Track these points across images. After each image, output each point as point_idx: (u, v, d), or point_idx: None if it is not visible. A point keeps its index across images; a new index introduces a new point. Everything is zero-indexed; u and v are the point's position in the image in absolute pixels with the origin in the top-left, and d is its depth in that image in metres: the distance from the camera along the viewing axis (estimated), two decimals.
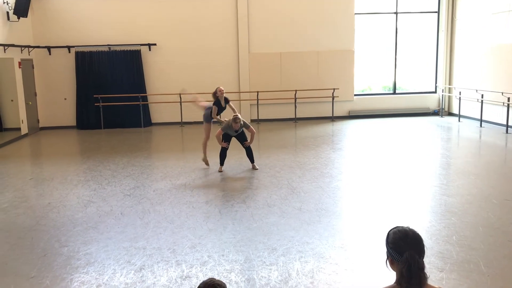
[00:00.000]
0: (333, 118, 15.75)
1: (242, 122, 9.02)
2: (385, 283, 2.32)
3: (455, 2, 15.59)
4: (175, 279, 4.75)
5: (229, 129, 9.01)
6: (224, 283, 2.23)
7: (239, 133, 9.19)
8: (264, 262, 5.08)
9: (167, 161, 10.38)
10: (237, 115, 8.94)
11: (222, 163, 9.27)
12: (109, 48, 15.09)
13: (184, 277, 4.78)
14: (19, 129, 13.71)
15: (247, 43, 15.36)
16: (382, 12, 16.12)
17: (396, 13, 15.97)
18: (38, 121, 15.14)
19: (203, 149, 9.67)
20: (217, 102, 9.52)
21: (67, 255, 5.42)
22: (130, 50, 15.13)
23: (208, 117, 9.58)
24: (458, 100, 15.10)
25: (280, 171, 9.09)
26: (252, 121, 15.37)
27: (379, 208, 6.85)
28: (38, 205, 7.39)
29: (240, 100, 15.37)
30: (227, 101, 9.67)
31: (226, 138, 9.15)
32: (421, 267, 2.18)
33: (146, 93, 15.34)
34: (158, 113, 15.68)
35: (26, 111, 14.05)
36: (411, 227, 2.34)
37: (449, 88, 16.14)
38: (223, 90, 9.56)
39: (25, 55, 14.15)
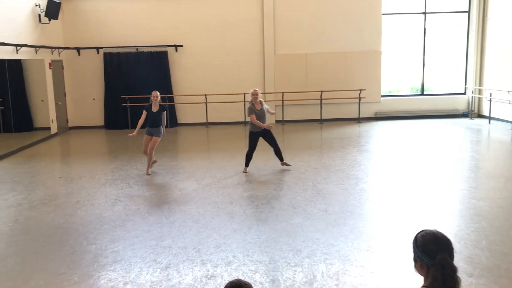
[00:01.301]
0: (359, 120, 15.60)
1: (261, 100, 9.16)
2: (412, 286, 2.28)
3: (486, 1, 15.24)
4: (200, 278, 4.78)
5: (254, 108, 9.00)
6: (250, 284, 2.22)
7: (268, 134, 9.13)
8: (289, 263, 5.06)
9: (192, 161, 10.46)
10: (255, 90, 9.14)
11: (247, 164, 9.27)
12: (137, 49, 15.30)
13: (209, 277, 4.81)
14: (49, 128, 14.03)
15: (273, 44, 15.36)
16: (410, 13, 15.90)
17: (424, 13, 15.72)
18: (67, 121, 15.46)
19: (148, 161, 9.35)
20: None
21: (94, 252, 5.52)
22: (157, 51, 15.31)
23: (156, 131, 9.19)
24: (488, 102, 14.77)
25: (305, 172, 9.05)
26: (277, 122, 15.35)
27: (405, 211, 6.76)
28: (67, 203, 7.54)
29: (265, 101, 15.32)
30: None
31: (253, 140, 9.13)
32: (455, 270, 2.14)
33: (172, 94, 15.49)
34: (184, 114, 15.82)
35: (56, 111, 14.37)
36: (438, 230, 2.29)
37: (479, 90, 15.79)
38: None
39: (55, 56, 14.48)
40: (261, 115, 9.05)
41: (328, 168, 9.31)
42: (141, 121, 9.17)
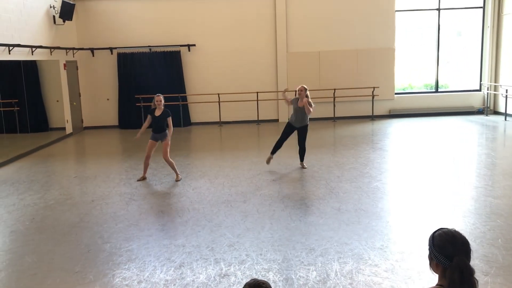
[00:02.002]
0: (373, 117, 15.51)
1: (308, 96, 8.92)
2: (426, 285, 2.27)
3: None
4: (214, 277, 4.79)
5: (294, 102, 9.04)
6: (268, 282, 2.22)
7: (302, 132, 9.15)
8: (302, 262, 5.05)
9: (205, 160, 10.49)
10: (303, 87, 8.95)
11: (273, 152, 9.30)
12: (150, 49, 15.38)
13: (222, 275, 4.82)
14: (64, 128, 14.18)
15: (285, 42, 15.33)
16: (424, 9, 15.75)
17: (438, 9, 15.56)
18: (82, 121, 15.62)
19: (171, 166, 8.78)
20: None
21: (109, 251, 5.56)
22: (170, 51, 15.37)
23: (160, 136, 8.64)
24: (504, 98, 14.57)
25: (318, 171, 9.03)
26: None
27: (420, 209, 6.70)
28: (82, 203, 7.62)
29: (278, 100, 15.36)
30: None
31: (287, 130, 9.15)
32: (472, 272, 2.11)
33: (185, 93, 15.55)
34: (197, 113, 15.87)
35: (71, 111, 14.52)
36: (456, 229, 2.26)
37: (495, 86, 15.58)
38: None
39: (69, 57, 14.62)
40: (296, 111, 9.04)
41: (341, 166, 9.27)
42: (145, 125, 8.74)
